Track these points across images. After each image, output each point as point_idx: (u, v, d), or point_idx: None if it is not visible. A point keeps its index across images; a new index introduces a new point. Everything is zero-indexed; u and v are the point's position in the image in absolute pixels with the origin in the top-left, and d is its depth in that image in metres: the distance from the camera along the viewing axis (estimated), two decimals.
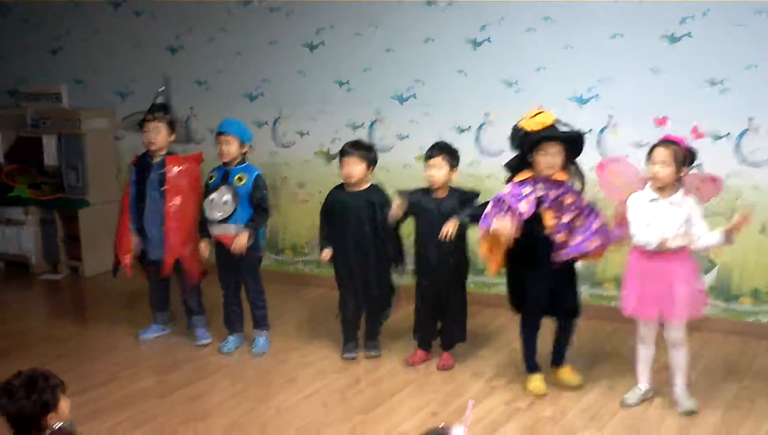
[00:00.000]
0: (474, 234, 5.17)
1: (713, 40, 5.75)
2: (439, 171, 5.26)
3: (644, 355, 4.85)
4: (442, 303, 5.42)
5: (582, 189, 4.88)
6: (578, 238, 4.82)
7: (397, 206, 5.32)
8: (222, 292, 5.85)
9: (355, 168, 5.46)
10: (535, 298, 5.02)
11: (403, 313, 5.90)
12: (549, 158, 4.78)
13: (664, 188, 4.59)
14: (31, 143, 7.98)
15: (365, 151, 5.54)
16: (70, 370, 5.19)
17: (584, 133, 4.94)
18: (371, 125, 6.96)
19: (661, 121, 4.72)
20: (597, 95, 6.12)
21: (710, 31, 5.75)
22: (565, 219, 4.81)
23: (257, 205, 5.59)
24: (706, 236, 4.57)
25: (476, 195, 5.32)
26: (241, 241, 5.54)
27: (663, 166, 4.52)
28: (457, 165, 5.35)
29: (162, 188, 5.77)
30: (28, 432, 3.03)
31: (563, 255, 4.84)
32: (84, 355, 5.84)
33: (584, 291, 6.15)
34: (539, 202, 4.82)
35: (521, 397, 4.97)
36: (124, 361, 5.69)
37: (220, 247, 5.68)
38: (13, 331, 6.38)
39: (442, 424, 2.70)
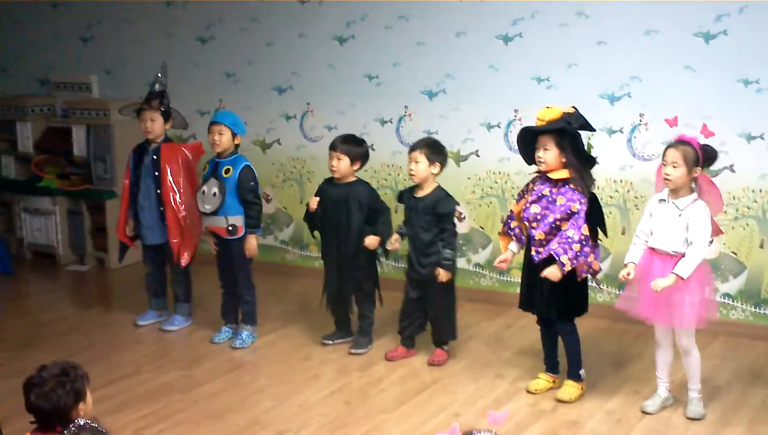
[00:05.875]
0: None
1: (750, 39, 5.63)
2: None
3: (661, 359, 4.75)
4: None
5: (582, 191, 4.66)
6: (554, 242, 4.67)
7: None
8: (220, 283, 5.94)
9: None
10: (521, 294, 5.03)
11: None
12: (539, 153, 4.74)
13: (677, 190, 4.49)
14: (60, 133, 8.00)
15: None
16: (95, 362, 5.23)
17: (571, 127, 4.67)
18: (399, 120, 6.89)
19: (673, 122, 4.61)
20: (629, 93, 6.02)
21: (747, 29, 5.63)
22: (550, 218, 4.69)
23: (245, 200, 5.62)
24: (685, 259, 4.41)
25: None
26: (251, 245, 5.67)
27: (674, 168, 4.42)
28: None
29: (155, 174, 5.91)
30: (54, 426, 2.92)
31: (538, 254, 4.75)
32: (109, 347, 5.84)
33: (610, 292, 6.10)
34: (524, 193, 4.88)
35: (546, 400, 4.92)
36: (148, 354, 5.70)
37: (215, 239, 5.78)
38: (39, 321, 6.40)
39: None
